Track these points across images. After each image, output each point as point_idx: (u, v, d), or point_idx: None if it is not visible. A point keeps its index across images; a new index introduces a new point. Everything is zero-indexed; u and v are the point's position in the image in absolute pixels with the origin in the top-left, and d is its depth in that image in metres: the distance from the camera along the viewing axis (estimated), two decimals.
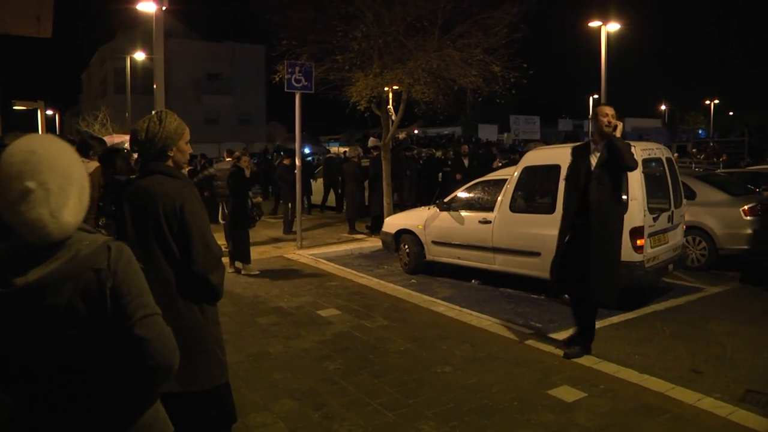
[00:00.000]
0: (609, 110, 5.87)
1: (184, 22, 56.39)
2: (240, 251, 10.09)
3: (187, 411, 2.86)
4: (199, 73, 55.69)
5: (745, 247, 10.04)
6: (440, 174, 16.68)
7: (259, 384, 5.32)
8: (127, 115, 33.73)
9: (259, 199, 10.86)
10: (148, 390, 1.98)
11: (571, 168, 6.13)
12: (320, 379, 5.43)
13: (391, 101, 13.96)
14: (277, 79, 12.82)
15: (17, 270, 1.75)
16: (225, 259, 8.83)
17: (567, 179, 6.27)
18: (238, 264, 10.18)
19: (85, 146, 6.14)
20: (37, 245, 1.78)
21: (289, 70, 11.79)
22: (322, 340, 6.57)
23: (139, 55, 34.50)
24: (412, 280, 9.77)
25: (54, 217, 1.76)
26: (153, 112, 3.07)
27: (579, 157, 6.07)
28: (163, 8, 14.96)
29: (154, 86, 15.44)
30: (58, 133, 46.05)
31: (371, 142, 17.57)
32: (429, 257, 9.98)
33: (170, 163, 3.00)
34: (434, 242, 9.80)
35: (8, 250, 1.82)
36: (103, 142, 7.14)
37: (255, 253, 11.92)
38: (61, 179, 1.80)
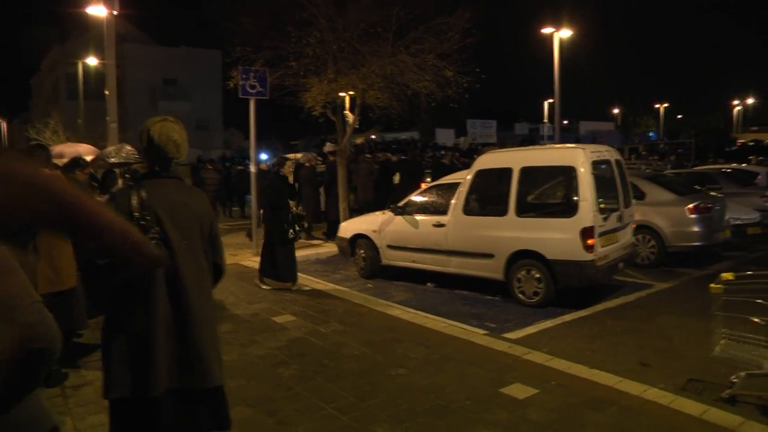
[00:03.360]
0: None
1: (138, 27, 55.56)
2: (283, 269, 9.30)
3: (212, 404, 3.02)
4: (154, 79, 54.80)
5: (691, 243, 10.36)
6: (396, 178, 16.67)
7: None
8: (79, 121, 33.03)
9: (301, 209, 9.96)
10: (32, 376, 1.99)
11: None
12: (275, 386, 5.42)
13: (347, 106, 14.00)
14: (232, 84, 12.77)
15: None
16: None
17: None
18: (268, 282, 9.41)
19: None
20: None
21: (244, 76, 11.73)
22: (277, 346, 6.55)
23: (92, 60, 33.84)
24: (368, 285, 9.81)
25: None
26: (165, 120, 3.11)
27: None
28: (114, 12, 14.80)
29: (106, 92, 15.24)
30: (6, 141, 44.86)
31: (328, 147, 17.57)
32: (384, 261, 10.03)
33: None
34: (389, 246, 9.86)
35: None
36: (45, 148, 7.03)
37: None
38: None
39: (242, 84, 11.71)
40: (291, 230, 9.15)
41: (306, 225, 9.76)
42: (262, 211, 14.56)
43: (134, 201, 2.89)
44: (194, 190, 3.23)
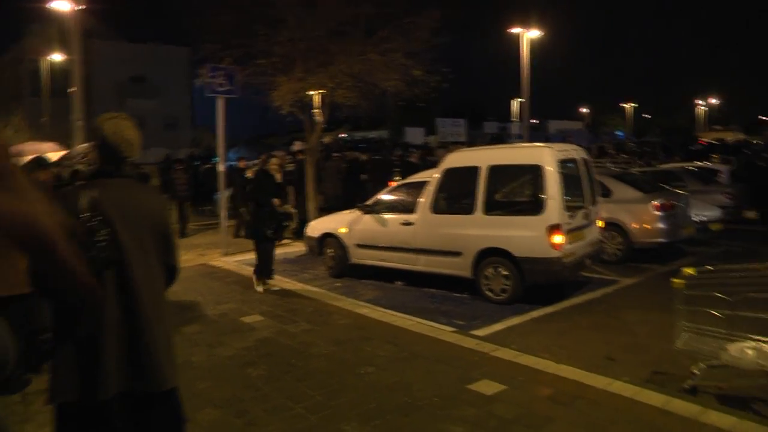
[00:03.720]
0: None
1: (105, 23, 54.50)
2: (258, 264, 9.15)
3: (165, 407, 2.96)
4: (121, 76, 53.72)
5: (656, 240, 10.53)
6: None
7: (182, 394, 5.22)
8: (44, 119, 32.40)
9: (288, 207, 9.50)
10: None
11: None
12: (243, 386, 5.39)
13: (316, 105, 13.97)
14: (200, 82, 12.65)
15: None
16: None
17: None
18: (263, 283, 9.17)
19: None
20: None
21: (212, 74, 11.63)
22: (245, 346, 6.51)
23: (57, 56, 33.18)
24: (337, 284, 9.78)
25: None
26: (118, 118, 3.03)
27: None
28: (78, 8, 14.53)
29: (72, 89, 15.00)
30: None
31: (296, 146, 17.49)
32: (353, 260, 10.02)
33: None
34: (358, 245, 9.84)
35: None
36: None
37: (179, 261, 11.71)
38: None
39: (210, 82, 11.60)
40: (269, 229, 8.84)
41: (291, 224, 9.28)
42: (243, 209, 14.50)
43: (84, 201, 2.79)
44: (148, 189, 3.17)
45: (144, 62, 55.33)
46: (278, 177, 9.04)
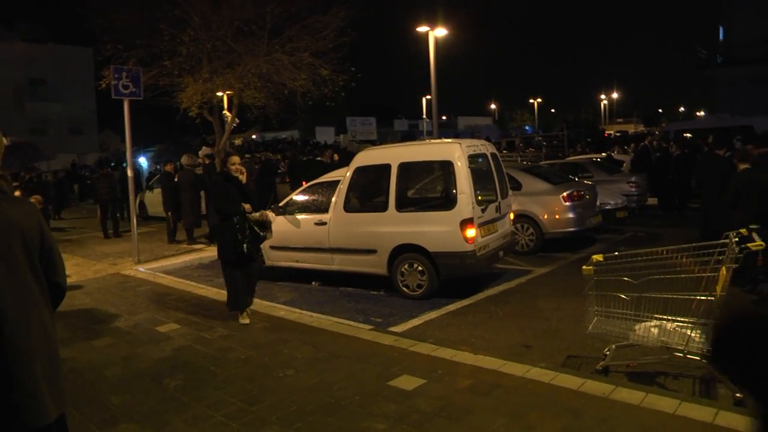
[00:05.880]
0: None
1: None
2: (228, 293, 7.54)
3: None
4: (19, 78, 50.98)
5: (566, 229, 10.87)
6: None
7: (97, 411, 5.01)
8: None
9: (266, 213, 7.56)
10: None
11: None
12: (161, 398, 5.21)
13: (226, 106, 13.75)
14: (104, 85, 12.20)
15: None
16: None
17: None
18: (243, 317, 7.45)
19: None
20: None
21: (116, 76, 11.19)
22: (161, 357, 6.31)
23: None
24: None
25: None
26: None
27: None
28: None
29: None
30: None
31: (203, 151, 17.02)
32: (268, 262, 9.88)
33: None
34: (272, 247, 9.69)
35: None
36: None
37: (90, 271, 11.26)
38: None
39: (115, 84, 11.18)
40: (245, 243, 7.17)
41: (268, 235, 7.59)
42: (170, 214, 14.00)
43: None
44: (17, 201, 2.86)
45: (43, 63, 52.63)
46: (243, 178, 7.39)
